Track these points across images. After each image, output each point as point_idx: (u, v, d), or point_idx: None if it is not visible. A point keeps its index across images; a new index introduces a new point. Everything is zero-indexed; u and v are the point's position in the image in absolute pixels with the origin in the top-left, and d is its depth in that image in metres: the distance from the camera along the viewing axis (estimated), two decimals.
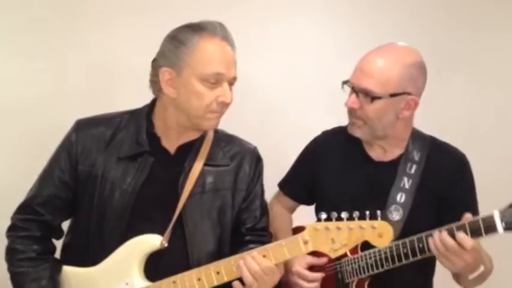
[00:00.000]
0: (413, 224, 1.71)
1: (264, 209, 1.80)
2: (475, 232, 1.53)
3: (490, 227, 1.51)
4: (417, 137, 1.83)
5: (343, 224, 1.42)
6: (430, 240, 1.59)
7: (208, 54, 1.55)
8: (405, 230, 1.72)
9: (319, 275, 1.75)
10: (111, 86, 2.36)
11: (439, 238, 1.56)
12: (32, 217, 1.66)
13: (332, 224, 1.42)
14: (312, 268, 1.77)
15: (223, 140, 1.76)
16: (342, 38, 2.71)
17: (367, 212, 1.41)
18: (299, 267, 1.74)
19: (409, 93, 1.70)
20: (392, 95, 1.68)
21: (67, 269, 1.67)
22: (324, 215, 1.44)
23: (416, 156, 1.79)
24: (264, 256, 1.49)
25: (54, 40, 2.35)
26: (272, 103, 2.63)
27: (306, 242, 1.46)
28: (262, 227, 1.77)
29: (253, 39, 2.52)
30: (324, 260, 1.75)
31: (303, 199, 2.03)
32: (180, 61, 1.56)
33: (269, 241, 1.76)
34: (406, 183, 1.76)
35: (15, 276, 1.64)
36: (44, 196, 1.67)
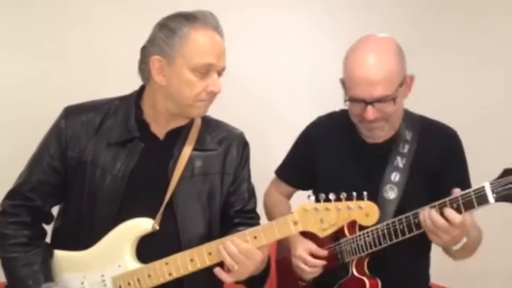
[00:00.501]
0: (408, 202, 1.76)
1: (252, 191, 1.84)
2: (467, 205, 1.55)
3: (482, 199, 1.53)
4: (408, 116, 1.87)
5: (332, 205, 1.47)
6: (420, 216, 1.63)
7: (200, 45, 1.58)
8: (400, 207, 1.77)
9: (320, 262, 1.81)
10: (98, 74, 2.36)
11: (428, 216, 1.60)
12: (22, 203, 1.67)
13: (321, 205, 1.47)
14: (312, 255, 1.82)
15: (210, 125, 1.80)
16: (333, 35, 2.78)
17: (354, 193, 1.47)
18: (302, 251, 1.79)
19: (405, 76, 1.76)
20: (401, 85, 1.73)
21: (58, 253, 1.69)
22: (312, 197, 1.49)
23: (408, 135, 1.83)
24: (255, 237, 1.54)
25: (39, 30, 2.35)
26: (260, 96, 2.68)
27: (295, 223, 1.50)
28: (250, 209, 1.82)
29: (246, 35, 2.58)
30: (324, 252, 1.82)
31: (300, 185, 2.07)
32: (171, 50, 1.58)
33: (258, 223, 1.81)
34: (400, 162, 1.81)
35: (6, 262, 1.64)
36: (34, 182, 1.68)
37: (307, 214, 1.49)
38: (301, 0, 2.81)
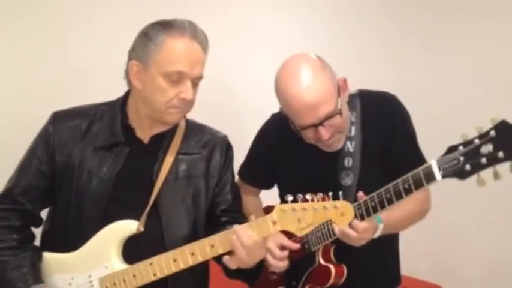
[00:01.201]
0: (365, 185, 1.76)
1: (236, 193, 1.89)
2: (417, 183, 1.57)
3: (430, 176, 1.54)
4: (349, 99, 1.86)
5: (309, 205, 1.50)
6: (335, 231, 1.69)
7: (172, 52, 1.62)
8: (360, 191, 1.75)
9: (285, 253, 1.82)
10: (86, 79, 2.40)
11: (340, 233, 1.68)
12: (12, 207, 1.71)
13: (298, 205, 1.51)
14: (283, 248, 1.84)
15: (194, 129, 1.84)
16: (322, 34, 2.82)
17: (330, 193, 1.50)
18: (272, 244, 1.81)
19: (337, 82, 1.76)
20: (338, 95, 1.74)
21: (47, 255, 1.73)
22: (290, 197, 1.52)
23: (352, 116, 1.84)
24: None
25: (30, 33, 2.37)
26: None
27: (274, 222, 1.54)
28: (236, 209, 1.86)
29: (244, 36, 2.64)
30: (296, 245, 1.84)
31: (262, 185, 2.09)
32: (147, 57, 1.64)
33: (245, 222, 1.86)
34: (350, 146, 1.83)
35: None
36: (23, 186, 1.72)
37: (285, 214, 1.53)
38: (294, 2, 2.86)
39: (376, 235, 1.72)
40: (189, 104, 1.69)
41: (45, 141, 1.74)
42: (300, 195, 1.52)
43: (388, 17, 3.01)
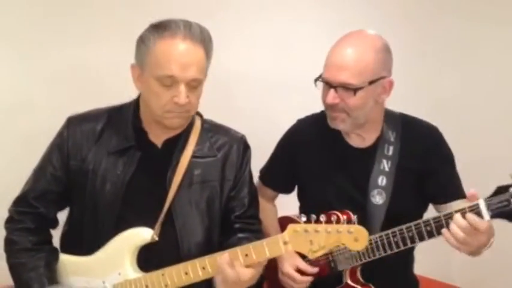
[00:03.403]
0: (397, 205, 1.74)
1: (254, 196, 1.83)
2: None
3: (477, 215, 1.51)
4: (389, 117, 1.83)
5: (322, 227, 1.44)
6: (444, 231, 1.56)
7: (162, 56, 1.56)
8: (390, 212, 1.75)
9: (307, 279, 1.80)
10: (98, 84, 2.38)
11: (456, 229, 1.53)
12: (27, 210, 1.73)
13: (311, 227, 1.45)
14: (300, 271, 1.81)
15: (210, 130, 1.78)
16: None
17: (344, 217, 1.44)
18: (289, 268, 1.78)
19: (383, 77, 1.71)
20: (371, 82, 1.68)
21: (65, 257, 1.75)
22: (304, 218, 1.46)
23: (392, 137, 1.80)
24: (246, 255, 1.53)
25: (40, 40, 2.39)
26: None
27: (285, 243, 1.49)
28: (251, 214, 1.81)
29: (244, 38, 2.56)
30: (314, 270, 1.80)
31: (283, 189, 2.05)
32: (142, 60, 1.61)
33: (259, 229, 1.82)
34: (386, 165, 1.78)
35: (13, 267, 1.71)
36: (38, 190, 1.73)
37: (297, 235, 1.47)
38: (299, 3, 2.75)
39: (488, 244, 1.61)
40: (184, 108, 1.61)
41: (60, 147, 1.73)
42: (313, 216, 1.45)
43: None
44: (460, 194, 1.75)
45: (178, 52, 1.56)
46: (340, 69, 1.67)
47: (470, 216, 1.51)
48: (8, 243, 1.73)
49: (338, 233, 1.43)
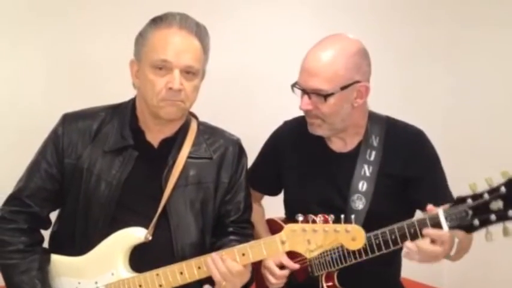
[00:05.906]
0: (377, 211, 1.73)
1: (248, 201, 1.83)
2: (421, 231, 1.53)
3: (436, 226, 1.52)
4: (374, 120, 1.83)
5: (319, 227, 1.46)
6: (405, 249, 1.57)
7: (157, 42, 1.60)
8: (369, 217, 1.73)
9: (286, 272, 1.77)
10: (97, 81, 2.37)
11: (415, 249, 1.55)
12: (20, 209, 1.70)
13: (309, 226, 1.46)
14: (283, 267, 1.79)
15: (206, 132, 1.79)
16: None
17: (342, 216, 1.45)
18: (271, 263, 1.76)
19: (358, 82, 1.70)
20: (343, 88, 1.68)
21: (55, 258, 1.72)
22: (300, 217, 1.48)
23: (375, 141, 1.79)
24: (243, 254, 1.54)
25: (39, 36, 2.38)
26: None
27: (283, 242, 1.50)
28: (245, 219, 1.81)
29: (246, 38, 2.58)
30: (296, 266, 1.77)
31: (268, 191, 2.05)
32: (139, 52, 1.64)
33: (251, 233, 1.82)
34: (367, 170, 1.77)
35: (5, 269, 1.68)
36: (32, 188, 1.70)
37: (295, 234, 1.49)
38: (296, 5, 2.78)
39: (452, 252, 1.62)
40: (179, 96, 1.61)
41: (55, 144, 1.71)
42: (311, 216, 1.47)
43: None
44: (445, 198, 1.70)
45: (173, 39, 1.60)
46: (311, 75, 1.67)
47: (430, 230, 1.52)
48: (0, 243, 1.69)
49: (336, 233, 1.44)
